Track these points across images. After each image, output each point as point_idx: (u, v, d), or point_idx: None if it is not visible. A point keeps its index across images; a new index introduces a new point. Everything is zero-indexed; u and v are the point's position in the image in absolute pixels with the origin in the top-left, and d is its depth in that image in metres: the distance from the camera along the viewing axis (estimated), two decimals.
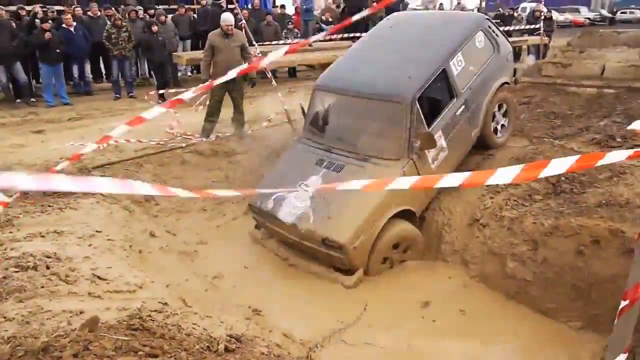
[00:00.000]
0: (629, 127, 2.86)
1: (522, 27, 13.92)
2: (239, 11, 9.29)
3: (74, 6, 11.02)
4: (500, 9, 17.36)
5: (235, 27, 7.30)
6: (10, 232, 4.13)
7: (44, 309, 2.91)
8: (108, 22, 10.81)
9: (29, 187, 1.70)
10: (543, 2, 13.53)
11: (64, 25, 9.97)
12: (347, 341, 3.74)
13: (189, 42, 12.42)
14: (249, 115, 8.05)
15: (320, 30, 13.51)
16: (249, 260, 5.05)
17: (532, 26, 13.36)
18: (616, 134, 5.79)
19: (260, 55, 7.88)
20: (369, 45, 5.89)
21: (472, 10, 15.38)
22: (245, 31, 7.63)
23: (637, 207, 4.12)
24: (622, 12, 31.74)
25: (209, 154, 6.93)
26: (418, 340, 3.92)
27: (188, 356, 2.59)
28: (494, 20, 16.16)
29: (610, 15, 32.00)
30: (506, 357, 3.83)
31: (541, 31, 12.77)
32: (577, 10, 30.97)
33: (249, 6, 14.61)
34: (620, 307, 2.42)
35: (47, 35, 9.24)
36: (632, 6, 31.39)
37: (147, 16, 12.16)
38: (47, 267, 3.44)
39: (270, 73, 7.92)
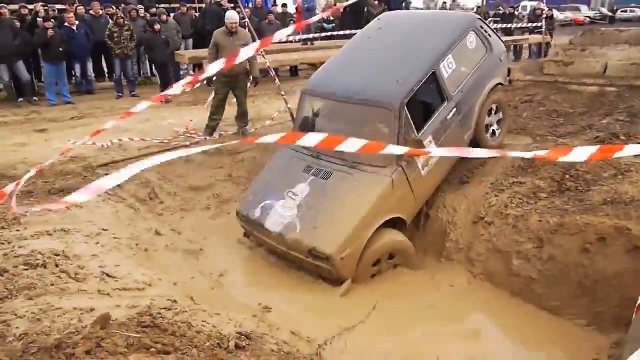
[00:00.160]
0: None
1: (524, 25, 13.92)
2: (242, 9, 9.29)
3: (76, 5, 11.00)
4: (500, 8, 17.39)
5: (240, 25, 7.31)
6: (18, 231, 4.14)
7: (54, 307, 2.93)
8: (110, 21, 10.81)
9: None
10: (545, 1, 13.53)
11: (66, 24, 9.96)
12: (355, 340, 3.75)
13: (190, 40, 12.43)
14: (252, 113, 8.07)
15: (322, 29, 13.55)
16: (254, 259, 5.06)
17: (534, 25, 13.36)
18: (619, 132, 5.81)
19: (263, 53, 7.86)
20: (357, 47, 5.74)
21: (473, 9, 15.37)
22: (250, 30, 7.62)
23: None
24: (622, 11, 31.80)
25: (212, 152, 6.92)
26: (424, 339, 3.95)
27: (200, 353, 2.61)
28: (494, 19, 16.17)
29: (610, 13, 32.05)
30: (511, 355, 3.84)
31: (543, 29, 12.77)
32: (578, 9, 31.03)
33: (250, 5, 14.61)
34: (638, 303, 2.44)
35: (50, 32, 9.24)
36: (633, 5, 31.42)
37: (148, 15, 12.19)
38: (56, 265, 3.46)
39: (273, 72, 7.92)
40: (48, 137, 7.54)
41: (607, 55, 9.15)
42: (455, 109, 5.05)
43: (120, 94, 10.55)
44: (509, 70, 6.05)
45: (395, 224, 4.72)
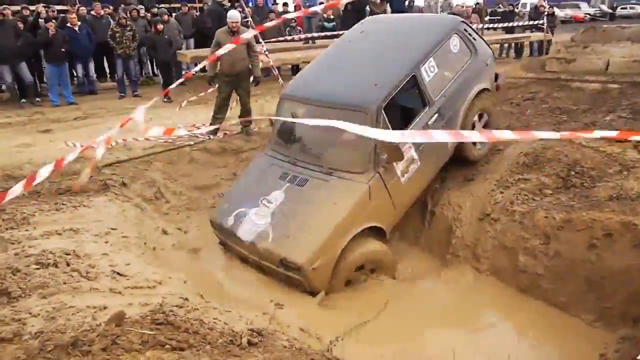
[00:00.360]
0: None
1: (525, 23, 13.93)
2: (244, 8, 9.31)
3: (77, 5, 11.02)
4: (500, 6, 17.39)
5: (242, 24, 7.34)
6: (27, 230, 4.17)
7: (67, 305, 2.95)
8: (112, 21, 10.84)
9: None
10: None
11: (68, 25, 9.98)
12: (365, 337, 3.78)
13: (192, 40, 12.45)
14: (255, 112, 8.08)
15: (323, 28, 13.56)
16: None
17: (535, 22, 13.36)
18: (623, 129, 5.83)
19: (266, 52, 7.88)
20: (338, 52, 5.65)
21: (473, 7, 15.35)
22: (252, 29, 7.65)
23: None
24: (622, 8, 31.80)
25: (217, 151, 6.96)
26: (434, 336, 3.98)
27: (213, 349, 2.63)
28: (494, 17, 16.14)
29: (610, 10, 32.06)
30: (517, 349, 3.86)
31: (545, 27, 12.78)
32: (578, 6, 31.03)
33: (251, 4, 14.62)
34: None
35: (52, 31, 9.26)
36: (633, 1, 31.45)
37: (149, 15, 12.21)
38: (68, 264, 3.48)
39: (276, 70, 7.94)
40: (53, 137, 7.56)
41: (609, 52, 9.16)
42: (437, 114, 4.87)
43: (122, 94, 10.58)
44: (497, 76, 5.85)
45: (376, 233, 4.56)
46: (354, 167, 4.47)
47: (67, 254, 3.63)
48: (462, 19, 5.57)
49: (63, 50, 9.53)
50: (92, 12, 11.09)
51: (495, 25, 14.63)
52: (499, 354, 3.67)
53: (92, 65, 10.86)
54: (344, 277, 4.33)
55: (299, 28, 13.77)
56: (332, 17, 13.83)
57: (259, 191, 4.67)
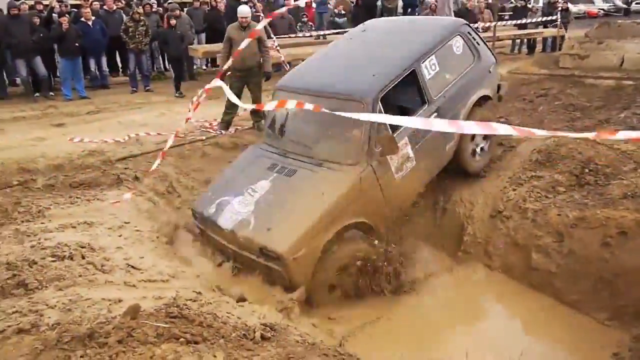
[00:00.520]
0: None
1: (538, 19, 13.79)
2: (255, 3, 9.31)
3: (91, 0, 11.06)
4: (512, 1, 17.23)
5: (253, 19, 7.34)
6: (42, 223, 4.22)
7: (83, 297, 2.99)
8: (124, 15, 10.88)
9: None
10: None
11: (82, 19, 10.05)
12: (376, 334, 3.79)
13: (203, 35, 12.47)
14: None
15: (333, 23, 13.53)
16: None
17: (549, 18, 13.22)
18: (637, 126, 5.78)
19: (277, 47, 7.88)
20: (338, 47, 5.61)
21: (485, 2, 15.20)
22: (264, 25, 7.64)
23: None
24: (637, 3, 31.31)
25: (228, 146, 6.97)
26: (444, 332, 3.98)
27: (227, 343, 2.65)
28: (504, 13, 15.93)
29: (624, 6, 31.59)
30: (529, 348, 3.85)
31: (558, 22, 12.65)
32: (591, 1, 30.62)
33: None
34: None
35: (65, 25, 9.34)
36: None
37: (161, 10, 12.24)
38: (83, 257, 3.53)
39: (287, 66, 7.94)
40: (66, 131, 7.62)
41: (623, 48, 9.07)
42: (436, 113, 4.73)
43: (134, 89, 10.62)
44: (499, 86, 5.67)
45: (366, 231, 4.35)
46: (346, 159, 4.33)
47: (82, 247, 3.68)
48: (466, 22, 5.44)
49: (76, 44, 9.60)
50: (105, 7, 11.14)
51: (508, 22, 14.48)
52: (511, 353, 3.67)
53: (104, 60, 10.93)
54: (327, 276, 4.06)
55: (311, 23, 13.76)
56: (343, 12, 13.81)
57: (245, 181, 4.53)
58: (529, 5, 15.97)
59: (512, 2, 17.20)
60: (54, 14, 10.36)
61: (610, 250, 3.97)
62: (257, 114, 7.64)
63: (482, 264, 4.79)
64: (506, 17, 15.54)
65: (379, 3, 13.35)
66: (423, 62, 4.71)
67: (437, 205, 5.42)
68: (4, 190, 5.08)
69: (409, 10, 14.61)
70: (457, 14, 12.76)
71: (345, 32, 12.77)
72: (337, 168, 4.30)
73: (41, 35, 9.53)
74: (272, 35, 8.57)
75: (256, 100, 7.53)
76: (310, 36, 12.92)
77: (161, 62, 12.62)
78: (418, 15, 13.97)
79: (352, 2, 14.52)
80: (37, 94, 9.93)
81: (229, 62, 5.83)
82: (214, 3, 12.52)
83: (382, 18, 7.29)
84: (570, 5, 15.21)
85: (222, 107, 7.51)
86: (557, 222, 4.34)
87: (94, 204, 4.78)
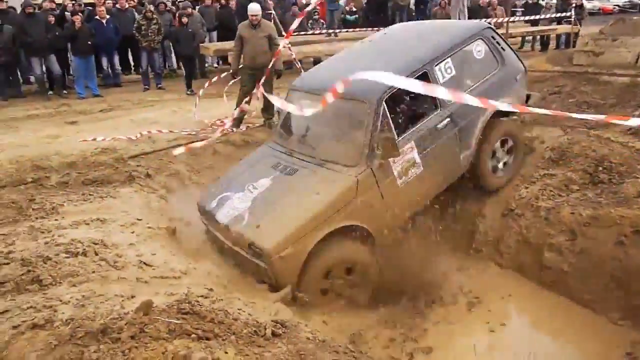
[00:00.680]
0: None
1: (552, 15, 13.65)
2: (266, 0, 9.32)
3: None
4: None
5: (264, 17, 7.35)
6: (56, 220, 4.27)
7: (96, 293, 3.02)
8: (136, 14, 10.95)
9: None
10: None
11: (96, 17, 10.15)
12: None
13: (214, 33, 12.52)
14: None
15: (344, 21, 13.50)
16: None
17: (563, 14, 13.08)
18: None
19: (288, 45, 7.89)
20: (355, 49, 5.55)
21: None
22: (275, 22, 7.65)
23: None
24: None
25: (240, 144, 7.01)
26: (454, 331, 3.97)
27: (238, 340, 2.67)
28: (519, 9, 15.72)
29: None
30: (542, 347, 3.83)
31: (572, 19, 12.51)
32: None
33: None
34: None
35: (78, 24, 9.43)
36: None
37: (174, 8, 12.31)
38: (96, 253, 3.56)
39: (299, 63, 7.94)
40: (79, 129, 7.70)
41: (639, 45, 8.94)
42: (449, 119, 4.54)
43: (147, 87, 10.70)
44: (528, 96, 5.35)
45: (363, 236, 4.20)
46: (345, 160, 4.24)
47: (96, 244, 3.71)
48: (491, 26, 5.24)
49: (89, 43, 9.69)
50: (117, 5, 11.23)
51: (520, 18, 14.32)
52: (522, 351, 3.66)
53: (117, 58, 11.02)
54: (316, 278, 3.97)
55: (322, 21, 13.74)
56: (354, 9, 13.77)
57: (248, 178, 4.54)
58: (541, 2, 15.78)
59: None
60: (66, 13, 10.47)
61: (624, 249, 3.93)
62: (268, 112, 7.66)
63: (493, 263, 4.77)
64: (518, 13, 15.36)
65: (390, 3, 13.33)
66: (436, 64, 4.55)
67: (447, 203, 5.38)
68: (18, 188, 5.14)
69: (421, 6, 14.54)
70: (470, 10, 12.68)
71: (356, 30, 12.86)
72: (336, 169, 4.23)
73: (56, 33, 9.65)
74: (284, 33, 8.56)
75: (267, 99, 7.54)
76: (321, 34, 12.91)
77: (173, 60, 12.69)
78: (429, 11, 13.93)
79: (364, 0, 14.49)
80: (50, 92, 10.05)
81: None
82: (224, 1, 12.54)
83: (407, 22, 7.20)
84: (584, 2, 15.02)
85: (232, 106, 7.53)
86: (570, 220, 4.31)
87: (107, 201, 4.82)
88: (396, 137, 4.22)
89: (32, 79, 10.49)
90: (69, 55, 10.55)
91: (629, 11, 27.73)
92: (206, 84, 8.48)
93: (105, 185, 5.27)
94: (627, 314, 3.90)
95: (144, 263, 3.59)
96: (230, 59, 9.24)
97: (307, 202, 4.04)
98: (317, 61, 13.17)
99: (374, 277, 4.18)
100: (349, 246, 4.10)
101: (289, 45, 7.89)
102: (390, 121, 4.25)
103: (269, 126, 7.54)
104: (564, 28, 13.44)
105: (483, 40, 4.90)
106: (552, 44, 14.42)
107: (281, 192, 4.23)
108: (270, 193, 4.26)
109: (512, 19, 12.79)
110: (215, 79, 8.55)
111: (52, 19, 9.83)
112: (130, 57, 11.99)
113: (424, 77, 4.45)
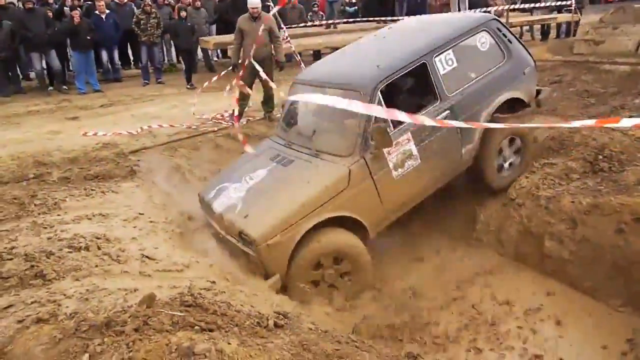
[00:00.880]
0: None
1: (552, 3, 13.55)
2: None
3: None
4: None
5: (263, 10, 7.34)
6: (59, 215, 4.30)
7: (100, 287, 3.04)
8: (135, 8, 10.93)
9: None
10: None
11: (96, 12, 10.13)
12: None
13: (213, 27, 12.48)
14: (277, 98, 8.10)
15: (344, 12, 13.46)
16: None
17: (563, 2, 12.98)
18: None
19: (288, 38, 7.87)
20: (360, 43, 5.53)
21: None
22: (274, 14, 7.63)
23: None
24: None
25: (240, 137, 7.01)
26: (457, 320, 4.00)
27: (241, 331, 2.69)
28: None
29: None
30: (542, 334, 3.86)
31: (573, 7, 12.42)
32: None
33: None
34: None
35: (76, 19, 9.42)
36: None
37: (173, 1, 12.27)
38: (99, 248, 3.59)
39: (299, 56, 7.93)
40: (81, 124, 7.72)
41: (639, 33, 8.89)
42: (449, 111, 4.45)
43: (146, 81, 10.71)
44: (539, 91, 5.21)
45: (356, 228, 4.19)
46: (339, 150, 4.22)
47: (98, 238, 3.74)
48: (496, 17, 5.14)
49: (88, 38, 9.68)
50: (116, 0, 11.20)
51: (520, 6, 14.23)
52: (523, 339, 3.68)
53: (116, 53, 11.01)
54: (306, 268, 3.97)
55: (321, 13, 13.70)
56: (354, 1, 13.71)
57: (247, 170, 4.59)
58: None
59: None
60: (65, 8, 10.46)
61: (625, 236, 3.93)
62: (268, 105, 7.67)
63: (494, 252, 4.78)
64: (518, 2, 15.26)
65: None
66: (437, 56, 4.47)
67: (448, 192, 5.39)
68: (20, 184, 5.17)
69: None
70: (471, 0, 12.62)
71: (356, 21, 12.82)
72: (330, 159, 4.22)
73: (55, 28, 9.64)
74: (283, 26, 8.54)
75: (268, 90, 7.55)
76: (321, 26, 12.87)
77: (173, 54, 12.67)
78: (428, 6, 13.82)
79: None
80: (50, 88, 10.06)
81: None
82: None
83: (415, 17, 7.18)
84: None
85: (228, 100, 7.54)
86: (570, 209, 4.30)
87: (109, 196, 4.84)
88: (391, 127, 4.18)
89: (32, 74, 10.49)
90: (68, 51, 10.55)
91: None
92: (214, 78, 8.47)
93: (107, 180, 5.29)
94: (628, 300, 3.90)
95: (147, 257, 3.62)
96: (230, 53, 9.24)
97: (297, 191, 4.05)
98: (316, 53, 13.22)
99: (366, 268, 4.16)
100: (340, 237, 4.08)
101: (288, 38, 7.87)
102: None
103: (269, 119, 7.55)
104: (564, 17, 13.35)
105: (488, 32, 4.79)
106: (553, 32, 14.34)
107: (274, 182, 4.27)
108: (264, 183, 4.31)
109: (515, 6, 12.69)
110: (223, 72, 8.55)
111: (51, 14, 9.83)
112: (130, 52, 11.98)
113: (423, 68, 4.40)
